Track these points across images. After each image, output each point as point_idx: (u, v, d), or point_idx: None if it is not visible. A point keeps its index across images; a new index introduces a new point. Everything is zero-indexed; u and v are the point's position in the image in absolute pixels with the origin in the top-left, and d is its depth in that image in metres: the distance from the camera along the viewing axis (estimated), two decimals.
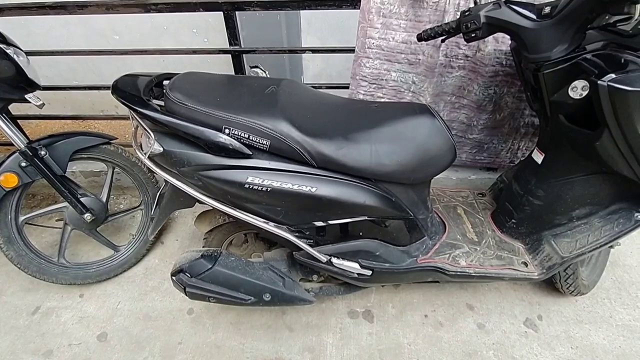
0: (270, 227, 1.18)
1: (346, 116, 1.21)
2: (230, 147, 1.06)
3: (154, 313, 1.65)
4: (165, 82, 1.22)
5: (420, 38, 1.30)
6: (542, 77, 1.14)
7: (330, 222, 1.19)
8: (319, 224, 1.20)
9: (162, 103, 1.16)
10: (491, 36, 1.42)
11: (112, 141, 1.68)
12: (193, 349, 1.52)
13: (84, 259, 1.86)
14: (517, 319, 1.59)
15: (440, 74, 1.56)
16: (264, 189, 1.10)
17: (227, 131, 1.06)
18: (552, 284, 1.62)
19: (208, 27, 2.20)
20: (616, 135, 1.04)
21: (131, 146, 1.26)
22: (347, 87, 1.66)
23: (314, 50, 1.64)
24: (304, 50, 1.61)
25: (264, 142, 1.07)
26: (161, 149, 1.10)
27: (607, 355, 1.47)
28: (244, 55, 1.64)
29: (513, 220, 1.44)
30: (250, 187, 1.10)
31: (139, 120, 1.11)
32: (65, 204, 1.62)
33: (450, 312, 1.61)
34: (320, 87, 1.74)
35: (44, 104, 1.46)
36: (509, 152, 1.76)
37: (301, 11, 1.96)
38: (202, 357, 1.49)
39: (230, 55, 1.64)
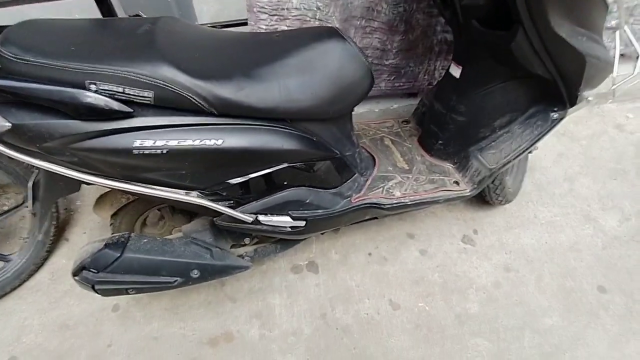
0: (179, 195, 1.00)
1: (244, 51, 1.02)
2: (102, 106, 0.83)
3: (72, 321, 1.41)
4: None
5: None
6: None
7: (247, 176, 1.04)
8: (235, 180, 1.04)
9: None
10: None
11: None
12: (126, 347, 1.34)
13: None
14: (456, 237, 1.62)
15: None
16: (159, 151, 0.90)
17: (92, 87, 0.82)
18: (482, 199, 1.66)
19: None
20: (530, 32, 0.99)
21: None
22: (246, 24, 1.44)
23: None
24: None
25: (146, 94, 0.86)
26: (8, 124, 0.84)
27: (536, 252, 1.57)
28: None
29: (440, 142, 1.40)
30: (141, 152, 0.89)
31: None
32: None
33: (393, 245, 1.60)
34: (214, 27, 1.50)
35: None
36: (426, 74, 1.71)
37: None
38: (139, 354, 1.33)
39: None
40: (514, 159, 1.29)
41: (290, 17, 1.43)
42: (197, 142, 0.93)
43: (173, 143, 0.91)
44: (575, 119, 2.10)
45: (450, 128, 1.35)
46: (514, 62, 1.10)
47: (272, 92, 0.96)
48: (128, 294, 1.15)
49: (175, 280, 1.16)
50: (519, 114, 1.28)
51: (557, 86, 1.16)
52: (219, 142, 0.94)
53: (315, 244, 1.61)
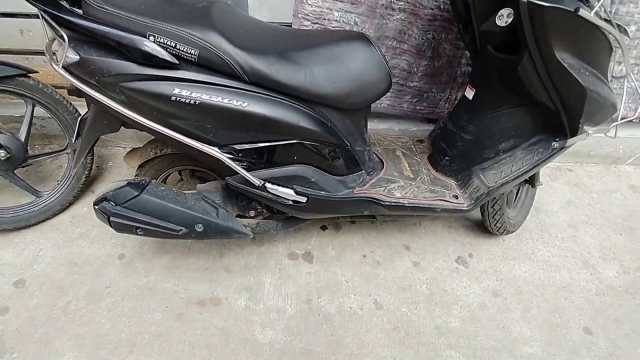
0: (201, 145, 1.13)
1: (283, 38, 1.19)
2: (155, 55, 1.00)
3: (80, 259, 1.54)
4: None
5: None
6: (471, 4, 1.18)
7: (262, 143, 1.16)
8: (251, 145, 1.17)
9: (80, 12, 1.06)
10: None
11: (31, 74, 1.53)
12: (122, 292, 1.44)
13: None
14: (450, 257, 1.66)
15: (382, 16, 1.57)
16: (192, 101, 1.05)
17: (151, 38, 0.99)
18: (483, 227, 1.70)
19: None
20: (535, 57, 1.10)
21: (60, 87, 1.15)
22: (290, 26, 1.63)
23: None
24: None
25: (193, 51, 1.02)
26: (77, 57, 1.01)
27: (528, 285, 1.58)
28: None
29: (447, 158, 1.49)
30: (178, 99, 1.04)
31: (53, 23, 1.01)
32: None
33: (388, 253, 1.65)
34: None
35: None
36: (447, 102, 1.82)
37: None
38: (132, 299, 1.42)
39: None
40: (511, 181, 1.35)
41: (329, 27, 1.61)
42: (225, 101, 1.07)
43: (205, 97, 1.06)
44: (590, 174, 2.14)
45: (458, 145, 1.44)
46: (521, 88, 1.20)
47: (299, 73, 1.11)
48: (137, 234, 1.26)
49: (180, 230, 1.27)
50: (524, 140, 1.36)
51: (560, 117, 1.25)
52: (245, 105, 1.08)
53: (315, 237, 1.69)
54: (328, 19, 1.58)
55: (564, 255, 1.70)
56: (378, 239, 1.70)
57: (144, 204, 1.23)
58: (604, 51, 1.13)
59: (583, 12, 0.95)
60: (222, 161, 1.16)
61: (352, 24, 1.59)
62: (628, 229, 1.85)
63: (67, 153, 1.73)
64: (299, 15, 1.58)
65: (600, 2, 0.96)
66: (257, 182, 1.21)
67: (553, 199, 1.96)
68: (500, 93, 1.29)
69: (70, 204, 1.73)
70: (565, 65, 1.08)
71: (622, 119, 1.27)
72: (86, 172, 1.71)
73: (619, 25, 1.16)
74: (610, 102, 1.22)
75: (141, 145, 1.44)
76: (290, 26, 1.63)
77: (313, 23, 1.59)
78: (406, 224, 1.77)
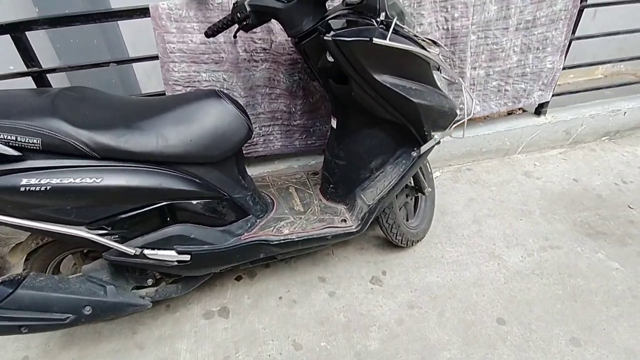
0: (64, 229, 1.13)
1: (133, 109, 1.24)
2: None
3: None
4: None
5: (207, 34, 1.40)
6: (303, 48, 1.29)
7: (129, 212, 1.18)
8: (119, 217, 1.18)
9: None
10: (280, 28, 1.59)
11: None
12: None
13: None
14: (364, 279, 1.69)
15: (247, 69, 1.68)
16: (44, 188, 1.06)
17: None
18: (392, 243, 1.75)
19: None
20: (361, 83, 1.21)
21: None
22: (164, 94, 1.70)
23: (118, 62, 1.66)
24: (107, 63, 1.62)
25: (35, 141, 1.05)
26: None
27: (440, 289, 1.62)
28: (47, 75, 1.60)
29: (331, 186, 1.56)
30: (28, 189, 1.05)
31: None
32: None
33: (304, 289, 1.66)
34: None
35: None
36: None
37: (120, 23, 1.97)
38: None
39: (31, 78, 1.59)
40: (386, 194, 1.43)
41: (202, 88, 1.69)
42: (78, 180, 1.09)
43: (55, 181, 1.07)
44: (487, 169, 2.28)
45: (336, 172, 1.51)
46: (365, 110, 1.31)
47: (150, 139, 1.16)
48: (22, 332, 1.21)
49: (67, 317, 1.23)
50: (389, 155, 1.45)
51: (409, 129, 1.36)
52: (99, 180, 1.11)
53: (230, 289, 1.68)
54: (198, 81, 1.67)
55: (471, 252, 1.77)
56: (293, 277, 1.71)
57: (22, 300, 1.19)
58: (422, 66, 1.27)
59: (377, 40, 1.07)
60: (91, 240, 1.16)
61: (222, 80, 1.69)
62: (527, 213, 1.97)
63: None
64: (170, 83, 1.65)
65: (391, 30, 1.08)
66: (132, 251, 1.21)
67: (456, 200, 2.07)
68: (354, 118, 1.39)
69: None
70: (389, 86, 1.20)
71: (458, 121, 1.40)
72: None
73: (431, 40, 1.31)
74: (448, 107, 1.35)
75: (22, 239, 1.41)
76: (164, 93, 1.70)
77: (184, 87, 1.67)
78: (320, 255, 1.79)
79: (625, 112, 2.37)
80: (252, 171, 1.94)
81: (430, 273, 1.70)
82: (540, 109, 2.30)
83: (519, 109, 2.37)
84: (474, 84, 2.01)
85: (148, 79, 2.22)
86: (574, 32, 2.04)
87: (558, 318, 1.49)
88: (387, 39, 1.08)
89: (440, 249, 1.80)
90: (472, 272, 1.69)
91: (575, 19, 1.96)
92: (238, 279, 1.72)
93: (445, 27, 1.79)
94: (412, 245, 1.78)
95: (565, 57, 2.09)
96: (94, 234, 1.17)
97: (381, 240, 1.85)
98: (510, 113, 2.34)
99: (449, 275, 1.68)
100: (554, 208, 1.99)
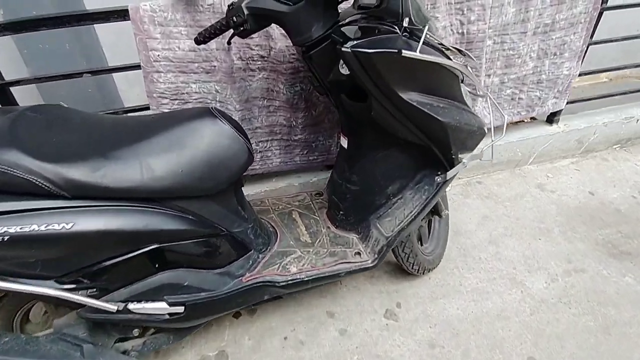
0: (28, 287, 0.92)
1: (111, 133, 1.03)
2: None
3: None
4: None
5: (197, 41, 1.20)
6: (312, 59, 1.11)
7: (108, 260, 0.97)
8: (96, 267, 0.97)
9: None
10: (281, 33, 1.40)
11: None
12: None
13: None
14: (378, 313, 1.52)
15: (243, 79, 1.48)
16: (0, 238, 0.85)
17: None
18: (405, 270, 1.59)
19: None
20: (382, 100, 1.03)
21: None
22: (149, 109, 1.49)
23: (93, 72, 1.44)
24: (80, 74, 1.40)
25: None
26: None
27: (462, 323, 1.47)
28: (10, 87, 1.36)
29: (341, 212, 1.38)
30: None
31: None
32: None
33: (311, 326, 1.48)
34: (116, 113, 1.54)
35: None
36: (337, 147, 1.75)
37: (97, 30, 1.75)
38: None
39: None
40: (407, 225, 1.26)
41: (191, 101, 1.49)
42: (43, 227, 0.88)
43: (14, 230, 0.86)
44: (498, 182, 2.14)
45: (348, 198, 1.34)
46: (384, 130, 1.13)
47: (133, 171, 0.95)
48: None
49: None
50: (409, 180, 1.28)
51: (433, 151, 1.19)
52: (69, 225, 0.90)
53: (228, 329, 1.48)
54: (187, 93, 1.46)
55: (491, 278, 1.63)
56: (298, 312, 1.53)
57: None
58: (451, 80, 1.10)
59: (408, 53, 0.89)
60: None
61: (214, 92, 1.48)
62: (545, 231, 1.83)
63: None
64: (154, 96, 1.44)
65: (422, 41, 0.91)
66: (113, 307, 1.00)
67: (469, 217, 1.92)
68: (370, 137, 1.22)
69: None
70: (415, 104, 1.02)
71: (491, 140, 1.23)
72: None
73: (459, 51, 1.15)
74: (477, 126, 1.19)
75: None
76: (149, 108, 1.49)
77: (172, 100, 1.46)
78: (327, 285, 1.61)
79: (638, 120, 2.27)
80: (248, 190, 1.75)
81: (449, 304, 1.54)
82: (552, 117, 2.17)
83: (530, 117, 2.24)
84: None
85: (130, 87, 1.99)
86: (592, 36, 1.91)
87: (593, 355, 1.36)
88: (418, 50, 0.91)
89: (457, 275, 1.65)
90: (495, 302, 1.54)
91: (595, 22, 1.83)
92: (236, 316, 1.52)
93: (460, 31, 1.63)
94: (428, 272, 1.62)
95: (582, 62, 1.96)
96: (64, 289, 0.96)
97: (392, 266, 1.68)
98: (519, 121, 2.20)
99: (470, 307, 1.52)
100: (572, 225, 1.86)
